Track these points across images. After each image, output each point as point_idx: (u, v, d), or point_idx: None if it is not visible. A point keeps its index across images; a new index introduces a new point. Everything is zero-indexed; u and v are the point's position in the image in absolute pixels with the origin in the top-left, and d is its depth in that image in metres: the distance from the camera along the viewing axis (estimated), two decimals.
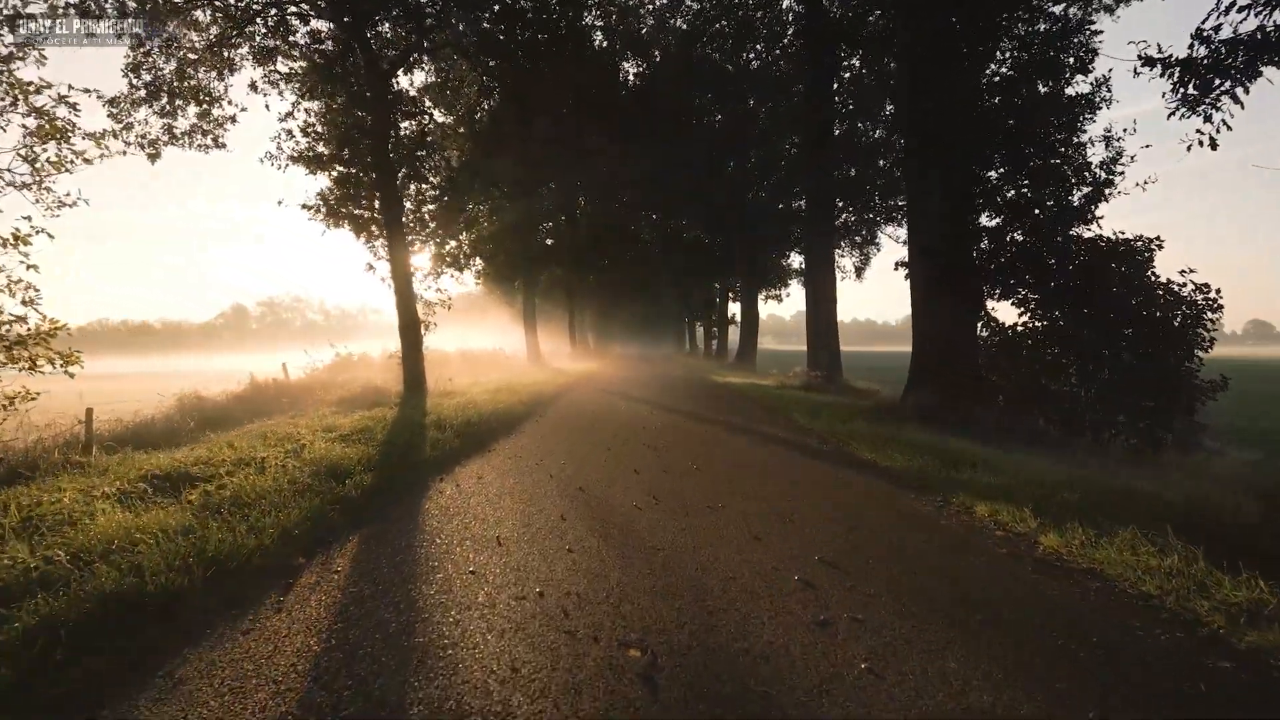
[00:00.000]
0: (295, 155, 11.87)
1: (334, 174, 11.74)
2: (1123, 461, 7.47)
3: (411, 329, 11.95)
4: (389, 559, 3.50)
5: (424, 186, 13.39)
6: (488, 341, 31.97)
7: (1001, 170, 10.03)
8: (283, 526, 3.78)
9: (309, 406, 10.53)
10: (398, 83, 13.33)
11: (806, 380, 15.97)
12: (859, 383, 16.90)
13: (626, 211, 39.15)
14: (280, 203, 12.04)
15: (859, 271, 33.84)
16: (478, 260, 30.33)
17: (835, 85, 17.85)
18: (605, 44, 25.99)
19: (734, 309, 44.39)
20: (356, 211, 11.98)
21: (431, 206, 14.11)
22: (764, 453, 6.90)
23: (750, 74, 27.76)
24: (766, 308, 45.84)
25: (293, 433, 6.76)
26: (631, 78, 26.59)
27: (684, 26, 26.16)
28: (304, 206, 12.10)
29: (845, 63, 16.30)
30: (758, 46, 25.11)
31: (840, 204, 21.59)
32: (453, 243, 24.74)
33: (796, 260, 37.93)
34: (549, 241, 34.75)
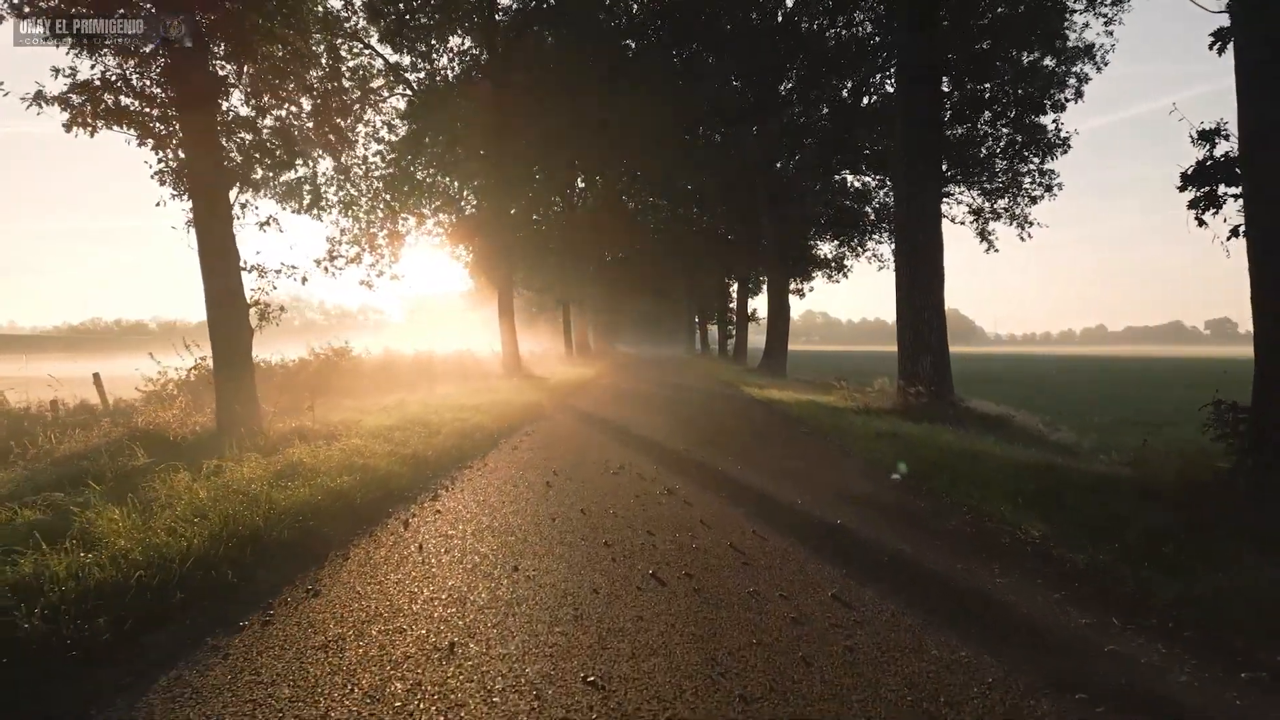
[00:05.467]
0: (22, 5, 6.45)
1: (78, 33, 6.29)
2: None
3: (228, 321, 6.51)
4: None
5: (266, 71, 7.83)
6: (476, 343, 26.35)
7: None
8: None
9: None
10: None
11: (904, 399, 10.40)
12: (973, 400, 11.32)
13: (630, 191, 33.83)
14: None
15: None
16: (462, 250, 25.05)
17: None
18: None
19: (751, 305, 38.87)
20: (127, 102, 6.52)
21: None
22: None
23: (774, 27, 22.35)
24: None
25: None
26: (635, 7, 21.09)
27: None
28: (39, 98, 6.66)
29: None
30: None
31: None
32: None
33: (825, 248, 32.50)
34: (543, 228, 29.34)
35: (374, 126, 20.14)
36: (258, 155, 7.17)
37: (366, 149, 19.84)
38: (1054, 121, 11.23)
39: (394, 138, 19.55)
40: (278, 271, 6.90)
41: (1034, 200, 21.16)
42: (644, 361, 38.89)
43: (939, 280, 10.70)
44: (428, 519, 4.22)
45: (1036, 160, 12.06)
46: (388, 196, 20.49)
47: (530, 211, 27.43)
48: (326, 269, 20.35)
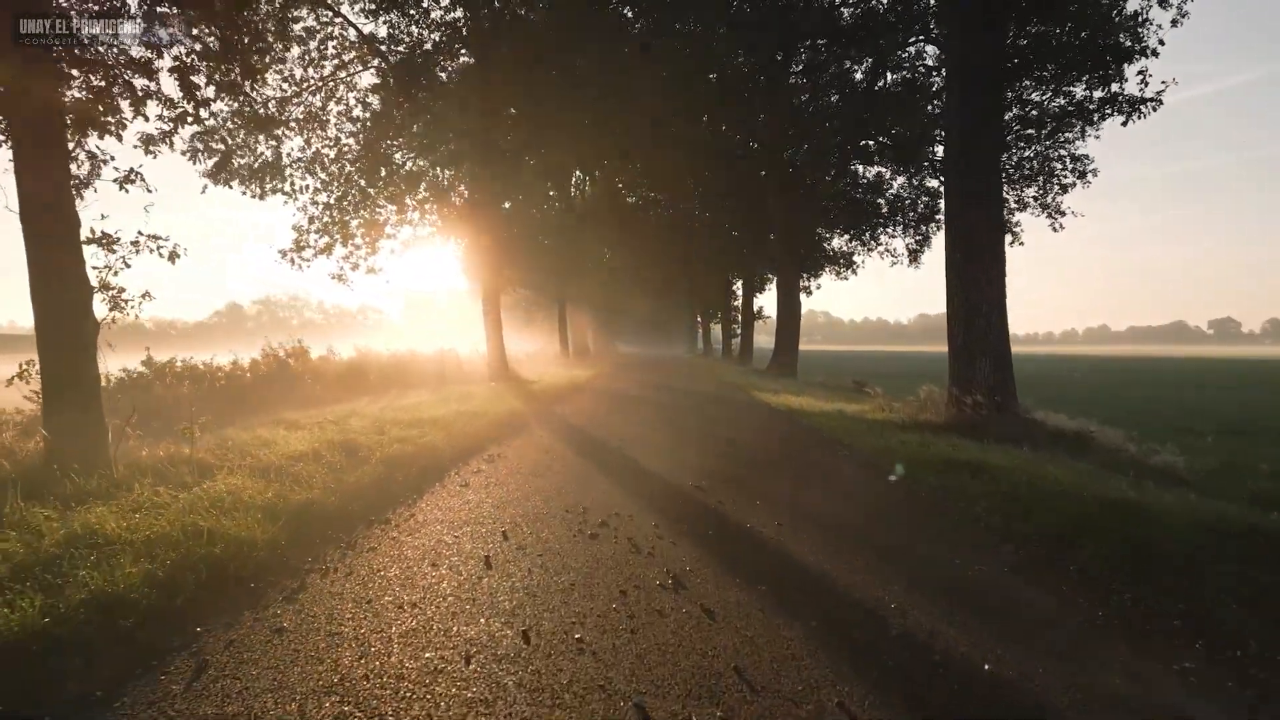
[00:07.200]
0: None
1: None
2: None
3: (55, 309, 4.67)
4: None
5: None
6: (473, 343, 24.18)
7: None
8: None
9: None
10: None
11: (958, 412, 8.53)
12: (1039, 411, 9.43)
13: (631, 185, 31.93)
14: None
15: (915, 255, 26.60)
16: (452, 244, 23.13)
17: None
18: None
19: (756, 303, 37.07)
20: None
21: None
22: None
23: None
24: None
25: None
26: None
27: None
28: None
29: None
30: None
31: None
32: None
33: (836, 242, 30.72)
34: (537, 216, 27.41)
35: (347, 105, 18.42)
36: (121, 89, 5.31)
37: (340, 129, 18.14)
38: (1140, 73, 9.35)
39: (366, 115, 17.72)
40: (134, 243, 5.03)
41: (1065, 189, 19.34)
42: (644, 362, 37.05)
43: (1000, 267, 8.84)
44: (252, 654, 2.37)
45: (1120, 118, 10.16)
46: (362, 181, 18.66)
47: (528, 206, 25.56)
48: (293, 260, 18.66)
